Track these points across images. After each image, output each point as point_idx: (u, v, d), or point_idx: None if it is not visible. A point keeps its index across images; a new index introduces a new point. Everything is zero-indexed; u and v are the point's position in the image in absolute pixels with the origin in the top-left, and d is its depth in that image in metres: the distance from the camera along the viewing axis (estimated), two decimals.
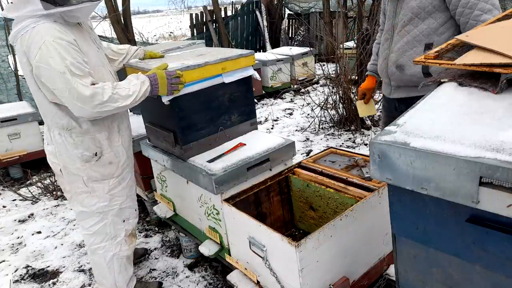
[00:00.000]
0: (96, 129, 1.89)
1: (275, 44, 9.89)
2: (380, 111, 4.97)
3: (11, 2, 1.68)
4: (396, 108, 2.29)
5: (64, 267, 2.73)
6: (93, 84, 1.68)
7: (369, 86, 2.52)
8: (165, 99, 1.93)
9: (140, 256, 2.72)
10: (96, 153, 1.91)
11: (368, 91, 2.53)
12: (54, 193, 3.81)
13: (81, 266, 2.72)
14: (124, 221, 2.10)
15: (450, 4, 1.87)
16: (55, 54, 1.58)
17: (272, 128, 5.17)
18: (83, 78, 1.63)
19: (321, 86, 6.88)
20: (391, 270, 2.00)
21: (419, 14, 1.95)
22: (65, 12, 1.67)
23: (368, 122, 4.62)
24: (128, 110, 3.16)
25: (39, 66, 1.60)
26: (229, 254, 2.08)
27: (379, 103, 4.47)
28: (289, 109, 5.97)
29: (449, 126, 0.97)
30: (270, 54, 6.71)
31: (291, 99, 6.52)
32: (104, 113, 1.73)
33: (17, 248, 3.01)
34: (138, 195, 3.09)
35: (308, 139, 4.63)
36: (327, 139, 4.56)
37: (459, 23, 1.90)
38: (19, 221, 3.43)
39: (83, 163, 1.90)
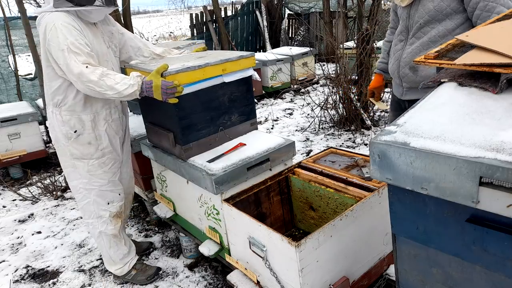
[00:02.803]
0: (83, 110, 2.09)
1: (275, 44, 9.90)
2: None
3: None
4: (406, 108, 2.24)
5: (64, 267, 2.73)
6: (87, 64, 1.87)
7: (377, 85, 2.48)
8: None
9: (144, 250, 2.74)
10: (76, 130, 2.10)
11: (376, 89, 2.49)
12: (54, 193, 3.81)
13: (81, 266, 2.71)
14: (108, 203, 2.27)
15: (468, 6, 1.86)
16: (60, 34, 1.86)
17: (272, 128, 5.17)
18: (78, 56, 1.86)
19: (321, 86, 6.88)
20: (391, 270, 2.00)
21: (436, 16, 1.92)
22: (79, 11, 1.95)
23: (368, 122, 4.62)
24: (128, 108, 3.18)
25: (50, 44, 1.90)
26: (229, 254, 2.08)
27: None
28: (289, 109, 5.96)
29: (449, 126, 0.97)
30: (270, 54, 6.71)
31: (291, 99, 6.52)
32: (94, 93, 1.90)
33: (17, 248, 3.01)
34: (138, 195, 3.11)
35: (308, 139, 4.63)
36: (327, 139, 4.56)
37: (475, 25, 1.86)
38: (19, 221, 3.43)
39: (67, 140, 2.11)
